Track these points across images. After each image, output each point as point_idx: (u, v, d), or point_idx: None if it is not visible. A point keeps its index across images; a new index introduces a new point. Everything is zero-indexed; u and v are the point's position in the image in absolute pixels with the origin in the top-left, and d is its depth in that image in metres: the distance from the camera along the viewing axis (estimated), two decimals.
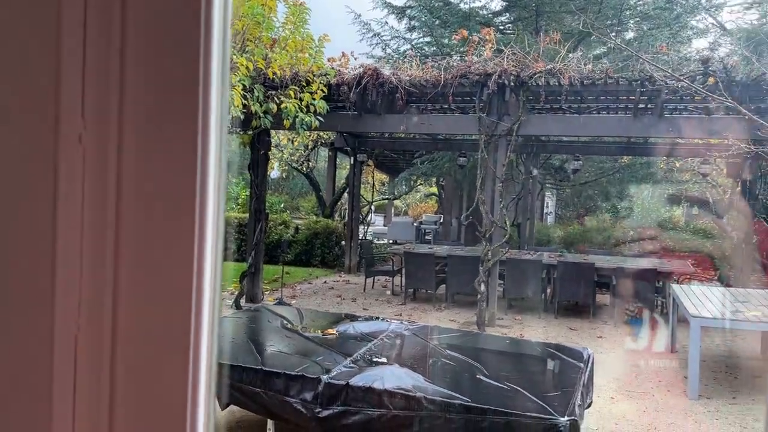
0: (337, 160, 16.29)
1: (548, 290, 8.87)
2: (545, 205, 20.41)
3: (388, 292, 9.97)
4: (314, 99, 7.08)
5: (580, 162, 9.75)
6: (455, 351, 4.06)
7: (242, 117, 6.50)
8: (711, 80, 6.36)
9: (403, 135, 11.79)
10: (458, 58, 8.49)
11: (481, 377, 3.60)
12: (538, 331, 7.65)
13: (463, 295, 8.97)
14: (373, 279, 10.43)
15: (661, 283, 8.23)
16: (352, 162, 12.14)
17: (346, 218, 12.74)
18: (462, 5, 14.39)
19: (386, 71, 7.90)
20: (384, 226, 19.21)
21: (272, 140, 15.03)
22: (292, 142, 16.20)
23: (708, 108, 6.73)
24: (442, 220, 16.87)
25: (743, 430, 4.72)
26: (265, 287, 9.83)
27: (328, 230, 12.99)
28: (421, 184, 18.93)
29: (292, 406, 3.40)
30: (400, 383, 3.35)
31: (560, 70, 6.97)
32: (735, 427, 4.77)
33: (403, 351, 4.11)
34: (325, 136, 14.37)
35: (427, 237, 16.47)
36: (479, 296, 7.51)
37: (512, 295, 8.77)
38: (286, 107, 6.75)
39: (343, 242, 12.53)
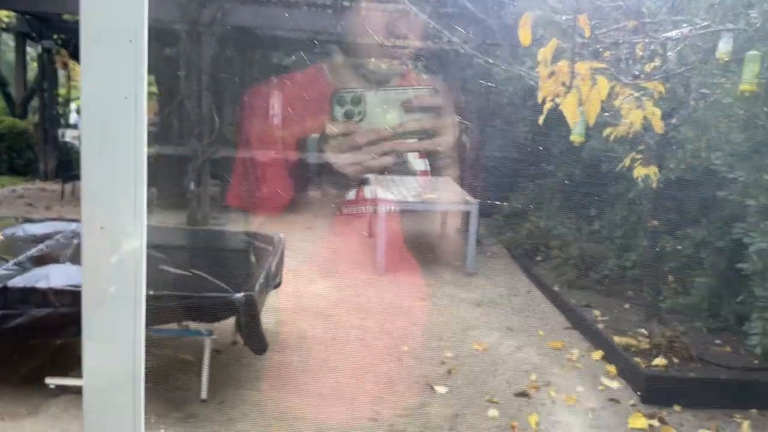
0: (27, 48, 13.91)
1: (263, 187, 9.00)
2: (271, 106, 20.39)
3: None
4: None
5: (293, 58, 9.78)
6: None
7: None
8: None
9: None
10: None
11: (168, 268, 3.51)
12: (250, 226, 7.77)
13: (176, 198, 8.62)
14: (73, 185, 9.40)
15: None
16: (39, 51, 10.48)
17: (38, 118, 11.13)
18: None
19: None
20: None
21: None
22: None
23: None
24: (159, 121, 15.76)
25: (416, 294, 5.49)
26: None
27: (15, 132, 11.23)
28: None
29: None
30: (69, 281, 3.10)
31: None
32: (409, 294, 5.52)
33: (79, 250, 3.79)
34: (5, 18, 12.08)
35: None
36: (188, 195, 7.29)
37: (227, 192, 8.71)
38: None
39: (37, 146, 10.99)
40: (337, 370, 3.95)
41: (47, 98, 10.87)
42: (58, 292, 2.99)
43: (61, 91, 13.36)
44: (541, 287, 5.77)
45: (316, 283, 5.58)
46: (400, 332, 4.66)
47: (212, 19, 7.05)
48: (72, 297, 2.99)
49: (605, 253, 5.70)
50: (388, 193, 6.32)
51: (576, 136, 4.17)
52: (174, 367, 3.67)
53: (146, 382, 0.99)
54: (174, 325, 3.19)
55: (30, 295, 2.97)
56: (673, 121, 4.48)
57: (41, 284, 3.00)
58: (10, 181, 10.59)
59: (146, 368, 0.99)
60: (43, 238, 3.84)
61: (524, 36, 2.79)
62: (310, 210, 8.88)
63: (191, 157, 7.32)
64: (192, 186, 7.25)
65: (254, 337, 3.29)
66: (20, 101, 13.32)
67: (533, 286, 5.92)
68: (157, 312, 2.96)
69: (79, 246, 3.87)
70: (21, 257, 3.39)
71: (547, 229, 6.55)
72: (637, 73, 3.78)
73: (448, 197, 6.16)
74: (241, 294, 3.08)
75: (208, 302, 3.07)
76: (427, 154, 8.12)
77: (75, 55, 15.10)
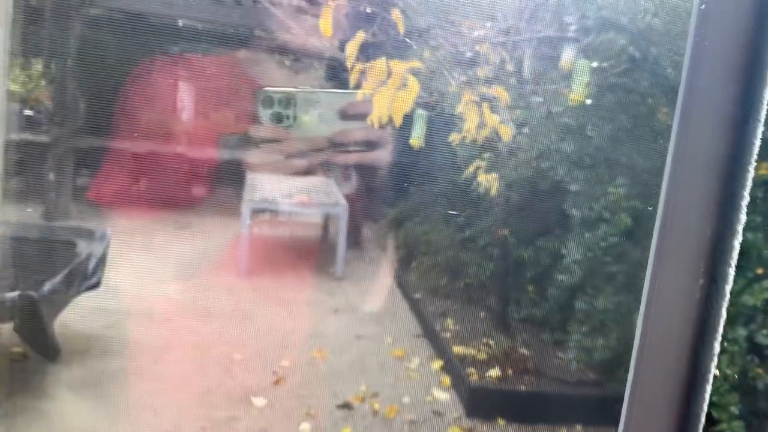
0: None
1: (143, 181, 8.55)
2: (168, 94, 19.74)
3: None
4: None
5: (178, 48, 9.35)
6: None
7: None
8: None
9: None
10: None
11: None
12: (117, 223, 7.32)
13: (38, 189, 8.03)
14: None
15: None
16: None
17: None
18: None
19: None
20: None
21: None
22: None
23: None
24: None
25: (274, 299, 5.25)
26: None
27: None
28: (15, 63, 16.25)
29: None
30: None
31: None
32: (268, 298, 5.27)
33: None
34: None
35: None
36: (47, 186, 6.76)
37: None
38: None
39: None
40: (152, 379, 3.65)
41: None
42: None
43: None
44: (405, 294, 5.65)
45: (164, 285, 5.24)
46: (240, 339, 4.40)
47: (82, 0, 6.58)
48: None
49: (471, 260, 5.67)
50: (260, 193, 6.06)
51: (414, 140, 4.07)
52: None
53: None
54: None
55: None
56: (525, 129, 4.46)
57: None
58: None
59: None
60: None
61: (324, 27, 2.62)
62: (198, 211, 8.49)
63: (51, 145, 6.80)
64: (51, 177, 6.72)
65: (38, 343, 2.96)
66: None
67: (398, 293, 5.80)
68: None
69: None
70: None
71: (421, 234, 6.47)
72: (468, 76, 3.70)
73: (321, 199, 5.96)
74: (15, 294, 2.75)
75: None
76: (360, 167, 7.74)
77: None
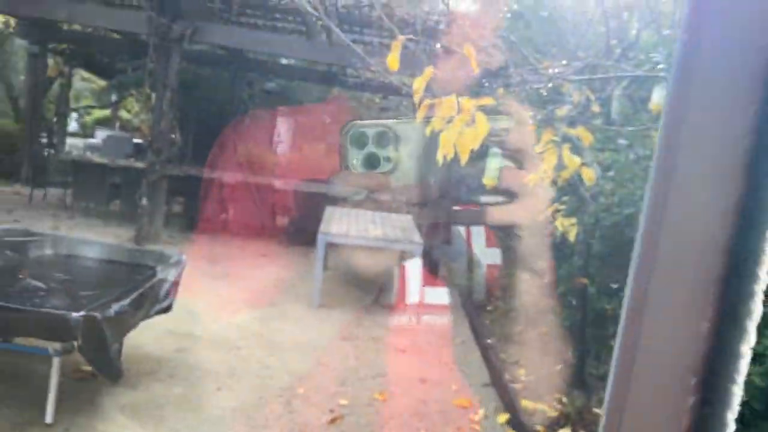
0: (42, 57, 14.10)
1: (230, 210, 8.82)
2: (277, 133, 20.34)
3: (61, 206, 9.00)
4: None
5: (273, 84, 9.70)
6: (19, 253, 3.66)
7: None
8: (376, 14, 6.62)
9: (94, 30, 10.49)
10: None
11: (25, 277, 3.28)
12: (204, 249, 7.56)
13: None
14: (45, 191, 9.32)
15: None
16: (30, 55, 10.56)
17: (27, 122, 11.15)
18: None
19: None
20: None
21: None
22: None
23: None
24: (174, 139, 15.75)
25: (341, 333, 5.18)
26: None
27: (2, 134, 11.25)
28: (132, 95, 17.40)
29: None
30: None
31: None
32: (335, 331, 5.21)
33: None
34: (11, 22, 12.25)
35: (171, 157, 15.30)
36: (139, 210, 7.11)
37: (193, 213, 8.53)
38: None
39: (21, 150, 10.97)
40: (213, 407, 3.65)
41: (36, 103, 10.89)
42: None
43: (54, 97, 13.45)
44: (478, 338, 5.42)
45: (236, 313, 5.30)
46: (303, 372, 4.35)
47: (181, 36, 6.97)
48: None
49: (548, 308, 5.37)
50: (336, 226, 6.08)
51: (488, 179, 3.90)
52: (31, 383, 3.41)
53: None
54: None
55: None
56: (610, 173, 4.20)
57: None
58: None
59: None
60: None
61: (392, 62, 2.56)
62: (278, 240, 8.63)
63: (147, 171, 7.17)
64: (144, 201, 7.06)
65: (99, 363, 3.02)
66: (27, 105, 13.44)
67: (471, 336, 5.57)
68: None
69: None
70: None
71: (499, 278, 6.23)
72: (552, 117, 3.52)
73: (396, 235, 5.89)
74: (80, 314, 2.82)
75: (42, 318, 2.81)
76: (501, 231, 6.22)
77: (89, 67, 15.25)
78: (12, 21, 12.06)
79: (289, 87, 13.51)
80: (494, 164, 4.16)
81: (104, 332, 2.95)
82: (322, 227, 5.80)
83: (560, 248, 5.00)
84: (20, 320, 2.79)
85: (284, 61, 10.93)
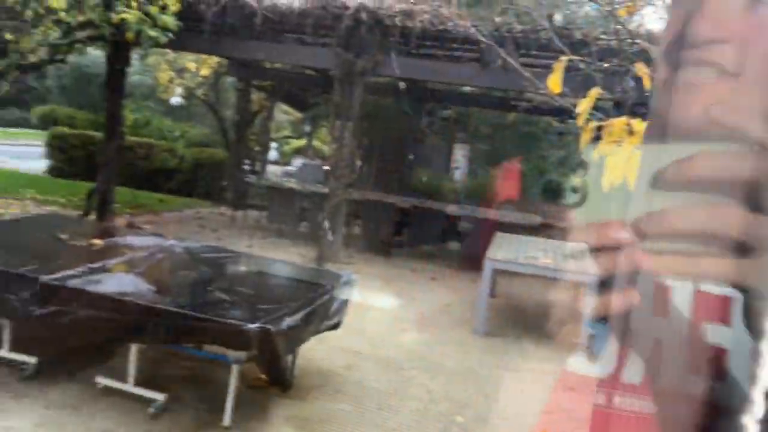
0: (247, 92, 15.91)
1: (405, 234, 9.09)
2: (454, 160, 20.57)
3: (257, 227, 9.96)
4: (163, 13, 6.82)
5: (450, 112, 9.85)
6: (212, 267, 4.11)
7: (73, 23, 6.22)
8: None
9: (292, 67, 11.54)
10: None
11: (213, 289, 3.67)
12: (379, 269, 7.85)
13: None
14: (246, 212, 10.39)
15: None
16: (237, 91, 11.91)
17: (232, 151, 12.55)
18: None
19: None
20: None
21: (177, 64, 14.53)
22: (198, 69, 15.66)
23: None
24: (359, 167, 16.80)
25: (503, 363, 5.05)
26: (131, 211, 9.64)
27: (213, 162, 12.78)
28: (324, 125, 18.77)
29: (10, 303, 3.38)
30: (121, 288, 3.38)
31: (414, 13, 6.94)
32: (497, 360, 5.09)
33: (159, 264, 4.12)
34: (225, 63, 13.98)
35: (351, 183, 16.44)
36: (321, 232, 7.61)
37: (369, 235, 8.93)
38: (124, 18, 6.48)
39: (227, 175, 12.37)
40: (372, 426, 3.75)
41: (241, 133, 12.22)
42: (104, 297, 3.27)
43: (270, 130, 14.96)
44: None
45: (407, 335, 5.42)
46: (464, 400, 4.30)
47: (363, 69, 7.40)
48: (113, 303, 3.25)
49: None
50: (504, 252, 5.97)
51: None
52: (216, 387, 3.79)
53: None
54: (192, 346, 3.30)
55: (81, 296, 3.28)
56: None
57: (91, 288, 3.31)
58: (200, 203, 12.03)
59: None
60: (136, 249, 4.26)
61: (553, 84, 2.48)
62: (453, 264, 8.71)
63: (330, 195, 7.66)
64: (326, 223, 7.55)
65: (271, 373, 3.27)
66: (235, 135, 15.22)
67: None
68: (170, 329, 3.09)
69: (161, 260, 4.23)
70: (101, 263, 3.79)
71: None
72: None
73: (567, 264, 5.62)
74: (256, 326, 3.09)
75: (222, 328, 3.12)
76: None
77: (287, 99, 16.87)
78: (224, 61, 13.77)
79: (465, 114, 13.66)
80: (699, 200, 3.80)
81: (277, 344, 3.19)
82: (489, 253, 5.73)
83: None
84: (205, 329, 3.13)
85: (465, 88, 11.10)
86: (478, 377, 4.78)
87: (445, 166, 18.82)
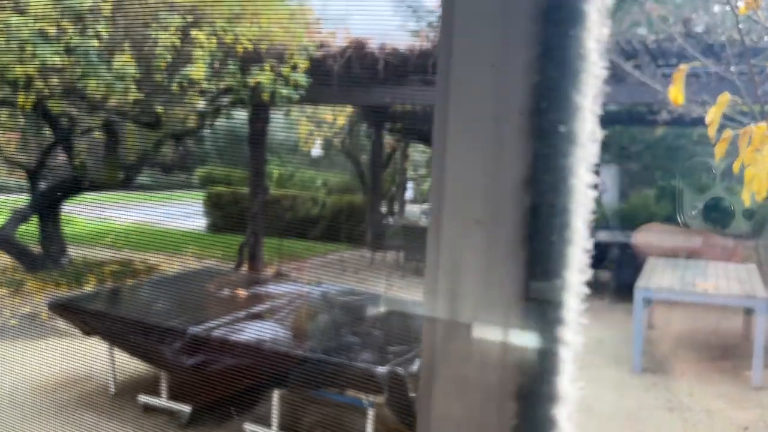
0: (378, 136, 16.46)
1: None
2: (599, 182, 19.57)
3: (396, 266, 10.08)
4: (295, 72, 7.27)
5: None
6: (347, 310, 4.18)
7: (214, 91, 6.80)
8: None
9: (422, 107, 11.76)
10: None
11: (347, 333, 3.71)
12: None
13: None
14: (385, 253, 10.57)
15: None
16: (371, 137, 12.31)
17: (369, 194, 12.92)
18: None
19: (372, 43, 7.93)
20: None
21: (316, 117, 15.44)
22: (335, 120, 16.48)
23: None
24: None
25: (667, 403, 4.56)
26: (279, 260, 10.19)
27: (353, 207, 13.23)
28: None
29: (164, 354, 3.66)
30: (260, 336, 3.53)
31: None
32: (659, 400, 4.61)
33: (297, 311, 4.26)
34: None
35: None
36: None
37: None
38: (259, 81, 6.98)
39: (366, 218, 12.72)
40: None
41: (376, 176, 12.58)
42: (247, 346, 3.43)
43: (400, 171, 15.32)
44: None
45: None
46: None
47: None
48: (254, 351, 3.40)
49: None
50: (657, 279, 5.49)
51: None
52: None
53: None
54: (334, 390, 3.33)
55: (224, 345, 3.47)
56: None
57: (235, 337, 3.49)
58: (343, 248, 12.45)
59: None
60: (277, 297, 4.45)
61: (675, 94, 2.25)
62: (603, 296, 8.19)
63: None
64: None
65: (404, 416, 3.21)
66: (372, 180, 15.72)
67: None
68: (305, 374, 3.16)
69: (296, 307, 4.38)
70: (242, 313, 4.00)
71: None
72: None
73: (731, 288, 5.02)
74: (385, 369, 3.06)
75: (354, 372, 3.13)
76: None
77: (423, 139, 17.20)
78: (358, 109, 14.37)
79: (609, 133, 12.97)
80: None
81: (407, 387, 3.13)
82: (640, 281, 5.29)
83: None
84: (338, 373, 3.16)
85: (607, 107, 10.57)
86: (638, 420, 4.36)
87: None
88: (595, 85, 0.41)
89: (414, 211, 18.25)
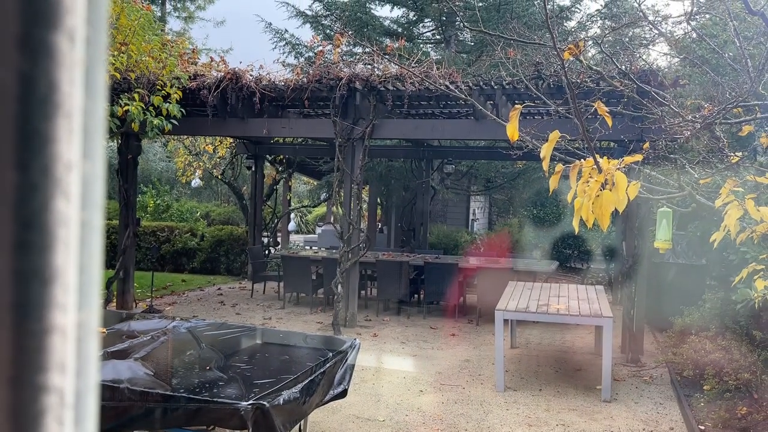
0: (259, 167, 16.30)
1: (421, 291, 8.99)
2: (471, 212, 20.54)
3: (276, 297, 9.97)
4: (168, 102, 7.09)
5: (453, 166, 9.90)
6: (214, 345, 4.11)
7: None
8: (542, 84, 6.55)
9: (303, 139, 11.83)
10: (322, 62, 8.50)
11: (211, 368, 3.65)
12: (396, 330, 7.74)
13: None
14: (264, 285, 10.43)
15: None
16: (251, 169, 12.20)
17: (249, 225, 12.73)
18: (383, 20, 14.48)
19: (248, 75, 7.95)
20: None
21: (195, 147, 15.02)
22: (214, 151, 16.11)
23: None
24: (379, 228, 16.82)
25: (527, 418, 4.86)
26: (154, 294, 9.73)
27: (233, 238, 12.96)
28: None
29: None
30: (116, 376, 3.38)
31: (405, 75, 7.10)
32: (520, 416, 4.90)
33: (160, 348, 4.12)
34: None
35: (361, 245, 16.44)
36: (335, 297, 7.58)
37: (385, 296, 8.85)
38: (128, 110, 6.75)
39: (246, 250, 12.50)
40: None
41: (256, 208, 12.43)
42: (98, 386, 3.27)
43: (285, 202, 15.21)
44: (689, 425, 4.70)
45: (424, 396, 5.28)
46: None
47: (362, 134, 7.54)
48: (107, 391, 3.24)
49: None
50: (513, 301, 5.85)
51: (660, 243, 3.49)
52: None
53: None
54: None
55: None
56: None
57: None
58: (222, 280, 12.14)
59: None
60: (138, 333, 4.28)
61: (512, 131, 2.49)
62: (472, 318, 8.57)
63: (339, 260, 7.67)
64: (339, 288, 7.53)
65: None
66: (253, 211, 15.49)
67: (681, 423, 4.85)
68: (165, 413, 3.07)
69: (162, 343, 4.23)
70: (101, 352, 3.81)
71: (705, 353, 5.41)
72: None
73: (582, 309, 5.48)
74: (248, 404, 3.05)
75: (216, 409, 3.08)
76: None
77: (303, 170, 17.20)
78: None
79: (475, 166, 13.73)
80: (665, 225, 3.73)
81: (273, 420, 3.13)
82: (499, 304, 5.63)
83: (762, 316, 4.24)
84: (200, 410, 3.10)
85: (470, 142, 11.20)
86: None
87: (465, 220, 18.82)
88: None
89: (299, 240, 18.19)
